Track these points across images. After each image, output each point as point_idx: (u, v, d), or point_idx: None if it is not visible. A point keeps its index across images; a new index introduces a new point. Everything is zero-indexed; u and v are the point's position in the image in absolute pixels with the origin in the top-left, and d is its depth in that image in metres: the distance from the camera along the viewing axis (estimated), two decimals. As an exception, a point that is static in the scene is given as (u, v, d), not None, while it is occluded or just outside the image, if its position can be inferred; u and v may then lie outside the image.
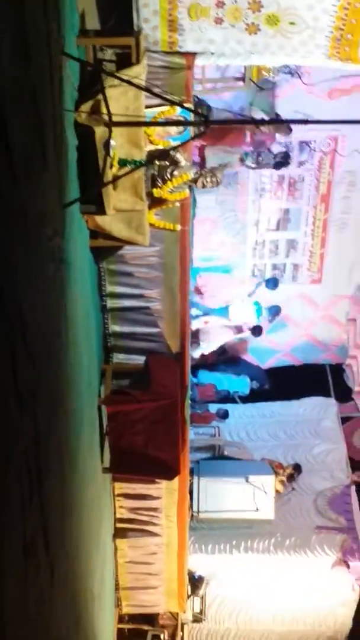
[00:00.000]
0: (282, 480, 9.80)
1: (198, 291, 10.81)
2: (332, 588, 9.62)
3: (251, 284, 11.11)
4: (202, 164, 9.28)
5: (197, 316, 10.65)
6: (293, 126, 9.68)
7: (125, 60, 6.07)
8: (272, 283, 10.93)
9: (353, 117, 8.59)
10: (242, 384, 11.58)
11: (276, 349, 11.66)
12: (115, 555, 8.73)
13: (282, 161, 9.95)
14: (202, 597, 9.65)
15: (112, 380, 7.74)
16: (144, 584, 9.08)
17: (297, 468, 10.08)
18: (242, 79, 9.13)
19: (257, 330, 10.99)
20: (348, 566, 9.38)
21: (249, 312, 10.91)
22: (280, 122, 9.02)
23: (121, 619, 9.33)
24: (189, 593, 9.40)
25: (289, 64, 8.72)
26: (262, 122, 8.79)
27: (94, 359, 7.30)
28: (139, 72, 5.99)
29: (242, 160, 9.94)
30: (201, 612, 9.71)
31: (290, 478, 9.98)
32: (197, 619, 9.73)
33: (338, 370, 11.69)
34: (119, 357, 8.12)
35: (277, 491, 9.67)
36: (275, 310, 11.12)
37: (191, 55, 6.81)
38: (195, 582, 9.53)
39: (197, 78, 8.12)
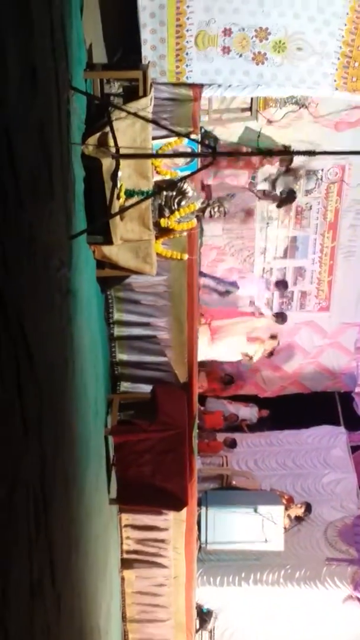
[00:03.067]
0: (289, 515, 9.67)
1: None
2: (343, 622, 9.44)
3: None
4: (208, 195, 9.31)
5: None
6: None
7: (132, 92, 6.11)
8: (282, 318, 10.79)
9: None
10: (249, 412, 11.50)
11: (284, 377, 11.60)
12: (123, 586, 8.62)
13: (287, 197, 9.96)
14: (211, 631, 9.50)
15: (119, 410, 7.70)
16: (152, 617, 8.94)
17: (308, 508, 9.92)
18: (249, 109, 9.20)
19: (281, 317, 10.79)
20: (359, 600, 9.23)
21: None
22: (288, 153, 9.06)
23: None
24: (197, 627, 9.25)
25: (295, 95, 8.79)
26: (269, 153, 8.84)
27: (101, 387, 7.27)
28: (146, 105, 6.03)
29: (251, 183, 9.93)
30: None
31: (299, 518, 9.85)
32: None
33: (347, 398, 11.60)
34: (125, 386, 8.10)
35: (283, 525, 9.55)
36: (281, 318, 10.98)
37: (198, 87, 6.88)
38: (204, 615, 9.39)
39: (203, 109, 8.19)
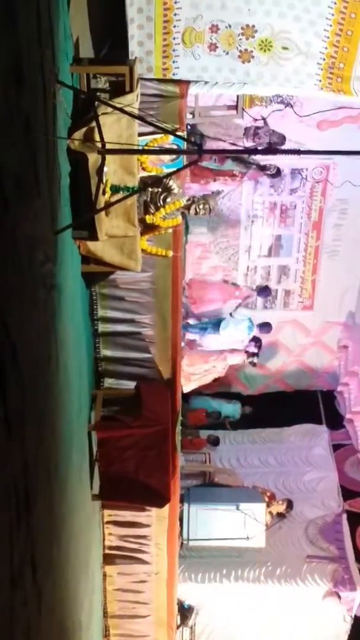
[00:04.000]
0: (271, 512, 9.70)
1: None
2: (323, 619, 9.51)
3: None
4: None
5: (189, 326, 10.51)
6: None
7: (119, 88, 6.11)
8: (266, 326, 10.82)
9: (344, 145, 8.67)
10: (233, 410, 11.53)
11: (267, 375, 11.64)
12: (104, 582, 8.62)
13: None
14: (192, 627, 9.53)
15: (103, 406, 7.69)
16: (133, 613, 8.95)
17: (290, 505, 9.97)
18: (235, 107, 9.21)
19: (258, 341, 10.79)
20: (339, 597, 9.28)
21: (241, 330, 10.81)
22: (274, 152, 9.09)
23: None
24: (178, 623, 9.27)
25: (281, 94, 8.81)
26: (255, 151, 8.85)
27: (85, 383, 7.26)
28: (132, 100, 6.03)
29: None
30: (191, 642, 9.57)
31: (281, 515, 9.89)
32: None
33: (329, 397, 11.66)
34: (109, 382, 8.10)
35: (264, 521, 9.59)
36: (266, 327, 11.04)
37: (185, 83, 6.88)
38: (185, 611, 9.40)
39: (189, 106, 8.19)
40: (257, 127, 9.60)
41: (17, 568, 4.15)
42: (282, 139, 9.67)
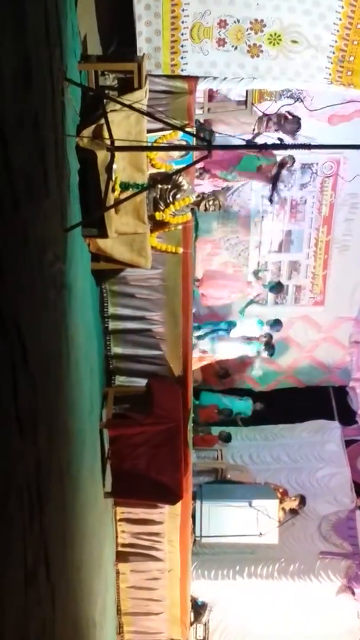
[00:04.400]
0: (283, 508, 9.67)
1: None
2: (337, 615, 9.47)
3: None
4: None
5: (201, 336, 10.51)
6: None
7: (127, 84, 6.09)
8: (276, 324, 10.77)
9: (355, 140, 8.61)
10: (244, 406, 11.50)
11: (278, 371, 11.61)
12: (117, 579, 8.63)
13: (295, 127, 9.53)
14: (205, 624, 9.52)
15: (114, 404, 7.69)
16: (146, 610, 8.95)
17: (303, 501, 9.92)
18: (245, 102, 9.17)
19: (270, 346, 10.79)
20: (353, 593, 9.25)
21: (251, 326, 10.78)
22: (283, 147, 9.02)
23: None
24: (192, 620, 9.27)
25: (291, 89, 8.76)
26: (265, 146, 8.79)
27: (96, 381, 7.26)
28: (141, 97, 6.01)
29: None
30: (204, 639, 9.55)
31: (293, 511, 9.85)
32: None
33: (341, 392, 11.61)
34: (120, 380, 8.10)
35: (277, 518, 9.56)
36: (277, 325, 11.01)
37: (193, 79, 6.85)
38: (198, 608, 9.40)
39: (199, 102, 8.16)
40: (268, 115, 9.46)
41: (31, 567, 4.16)
42: (298, 122, 9.47)
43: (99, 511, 7.19)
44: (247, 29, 6.46)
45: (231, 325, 10.55)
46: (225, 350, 10.51)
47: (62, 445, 5.33)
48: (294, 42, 6.51)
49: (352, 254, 10.87)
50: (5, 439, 3.74)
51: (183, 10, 6.42)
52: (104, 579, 7.60)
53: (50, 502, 4.76)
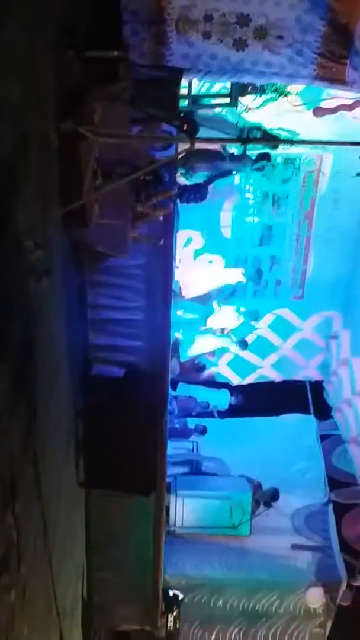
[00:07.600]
0: (257, 501, 9.72)
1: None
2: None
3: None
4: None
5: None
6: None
7: (112, 73, 6.06)
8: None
9: (340, 133, 8.64)
10: (221, 399, 11.55)
11: (256, 364, 11.65)
12: (90, 570, 8.62)
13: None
14: (176, 615, 9.54)
15: (92, 393, 7.66)
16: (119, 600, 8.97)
17: (275, 495, 9.97)
18: (229, 95, 9.14)
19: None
20: (323, 586, 9.33)
21: (229, 316, 10.82)
22: (267, 140, 9.02)
23: (95, 636, 9.19)
24: (163, 610, 9.29)
25: (275, 83, 8.74)
26: (248, 140, 8.79)
27: (74, 370, 7.24)
28: (125, 86, 5.98)
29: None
30: (175, 629, 9.59)
31: (267, 504, 9.91)
32: (171, 637, 9.61)
33: (318, 387, 11.69)
34: (99, 369, 8.07)
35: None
36: (254, 315, 11.06)
37: (178, 70, 6.82)
38: (170, 599, 9.42)
39: (183, 93, 8.13)
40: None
41: (2, 553, 4.15)
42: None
43: (73, 500, 7.19)
44: (233, 23, 6.45)
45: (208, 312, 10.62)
46: (200, 344, 10.59)
47: (38, 434, 5.32)
48: (280, 37, 6.51)
49: (332, 250, 10.91)
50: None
51: (169, 2, 6.40)
52: (76, 568, 7.61)
53: (23, 489, 4.75)
